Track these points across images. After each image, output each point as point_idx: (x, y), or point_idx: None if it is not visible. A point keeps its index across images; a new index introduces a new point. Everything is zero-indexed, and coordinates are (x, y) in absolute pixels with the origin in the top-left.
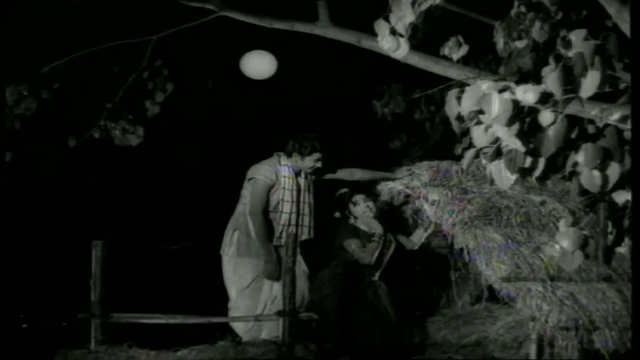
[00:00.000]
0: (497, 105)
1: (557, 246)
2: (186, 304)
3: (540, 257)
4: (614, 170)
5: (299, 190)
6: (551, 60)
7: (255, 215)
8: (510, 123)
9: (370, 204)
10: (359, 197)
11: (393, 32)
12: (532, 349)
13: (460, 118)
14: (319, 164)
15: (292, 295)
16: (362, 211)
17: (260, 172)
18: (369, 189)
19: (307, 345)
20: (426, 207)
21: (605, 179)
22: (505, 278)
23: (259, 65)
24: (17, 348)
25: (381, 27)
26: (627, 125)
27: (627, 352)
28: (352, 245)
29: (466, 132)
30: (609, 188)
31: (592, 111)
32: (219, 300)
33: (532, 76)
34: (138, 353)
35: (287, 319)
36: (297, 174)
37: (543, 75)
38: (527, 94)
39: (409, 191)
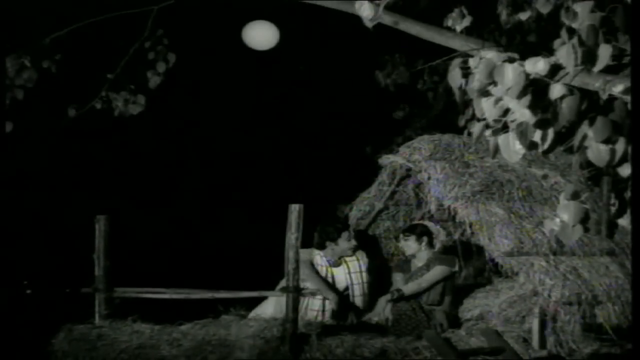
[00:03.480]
0: (510, 77)
1: (557, 219)
2: (190, 277)
3: (542, 232)
4: (620, 145)
5: (333, 280)
6: (563, 33)
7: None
8: (522, 95)
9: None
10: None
11: None
12: (535, 323)
13: (462, 89)
14: (354, 242)
15: (296, 271)
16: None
17: (301, 251)
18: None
19: (309, 321)
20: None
21: (612, 153)
22: (508, 253)
23: (260, 35)
24: (21, 316)
25: None
26: (629, 96)
27: (629, 326)
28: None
29: (469, 103)
30: (615, 162)
31: (596, 83)
32: (222, 273)
33: (536, 47)
34: (142, 328)
35: (291, 296)
36: (336, 264)
37: (554, 47)
38: (537, 65)
39: (410, 165)
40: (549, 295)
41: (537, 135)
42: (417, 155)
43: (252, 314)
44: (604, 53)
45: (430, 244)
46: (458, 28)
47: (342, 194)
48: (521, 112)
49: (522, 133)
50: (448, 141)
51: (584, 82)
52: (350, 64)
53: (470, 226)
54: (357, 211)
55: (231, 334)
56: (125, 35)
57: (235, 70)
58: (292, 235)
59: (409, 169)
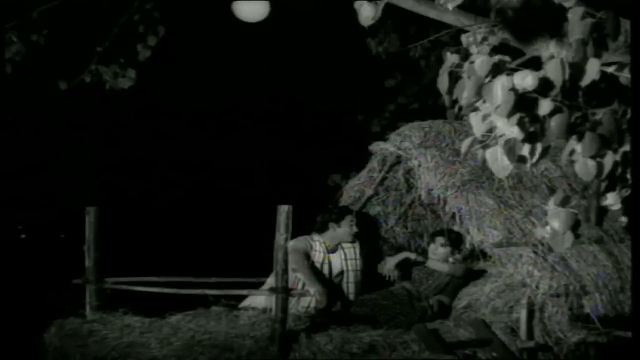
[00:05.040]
0: (499, 95)
1: (547, 227)
2: (182, 264)
3: (532, 221)
4: (609, 160)
5: (330, 266)
6: (552, 46)
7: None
8: (511, 114)
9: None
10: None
11: None
12: (523, 314)
13: (452, 94)
14: (355, 228)
15: (285, 272)
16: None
17: (297, 240)
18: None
19: (299, 317)
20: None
21: (600, 167)
22: (496, 244)
23: (251, 7)
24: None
25: None
26: (625, 74)
27: (616, 315)
28: None
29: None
30: (603, 177)
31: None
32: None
33: (522, 21)
34: (133, 321)
35: (279, 296)
36: (333, 250)
37: (543, 61)
38: (526, 80)
39: (400, 152)
40: (537, 287)
41: (525, 149)
42: (407, 143)
43: (243, 304)
44: (592, 68)
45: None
46: (450, 6)
47: (334, 164)
48: (509, 130)
49: (510, 149)
50: (439, 128)
51: None
52: (341, 32)
53: (460, 216)
54: (347, 197)
55: (221, 332)
56: (115, 8)
57: (225, 42)
58: (281, 237)
59: (399, 156)
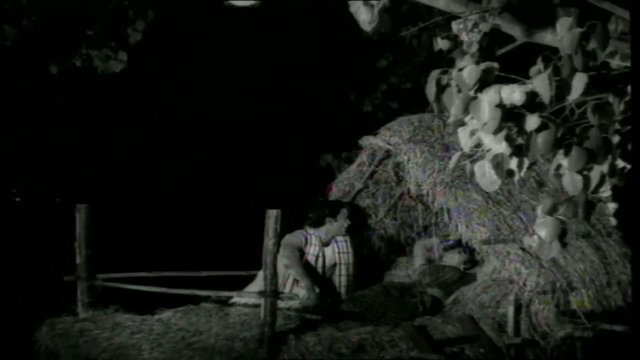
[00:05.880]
0: (487, 112)
1: (535, 236)
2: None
3: (520, 217)
4: (595, 173)
5: (324, 259)
6: (539, 61)
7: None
8: (498, 131)
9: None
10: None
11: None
12: (510, 311)
13: (439, 100)
14: (348, 221)
15: (273, 276)
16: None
17: (292, 234)
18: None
19: (288, 316)
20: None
21: (587, 181)
22: (484, 241)
23: None
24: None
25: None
26: (616, 61)
27: (602, 310)
28: None
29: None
30: (590, 190)
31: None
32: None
33: (514, 7)
34: (124, 319)
35: (268, 300)
36: (326, 244)
37: (530, 75)
38: (513, 95)
39: (390, 147)
40: (525, 284)
41: (513, 163)
42: (397, 138)
43: (234, 299)
44: (579, 83)
45: None
46: None
47: (326, 144)
48: (497, 147)
49: (498, 165)
50: (428, 123)
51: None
52: (332, 11)
53: (449, 212)
54: (337, 191)
55: (210, 333)
56: None
57: (216, 27)
58: (270, 241)
59: (388, 151)
